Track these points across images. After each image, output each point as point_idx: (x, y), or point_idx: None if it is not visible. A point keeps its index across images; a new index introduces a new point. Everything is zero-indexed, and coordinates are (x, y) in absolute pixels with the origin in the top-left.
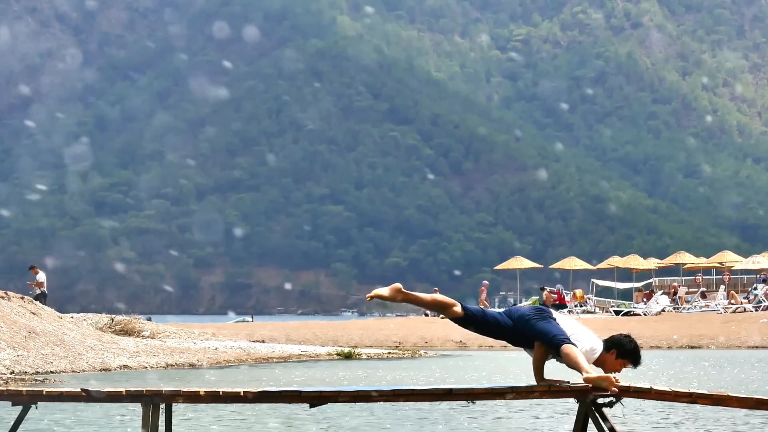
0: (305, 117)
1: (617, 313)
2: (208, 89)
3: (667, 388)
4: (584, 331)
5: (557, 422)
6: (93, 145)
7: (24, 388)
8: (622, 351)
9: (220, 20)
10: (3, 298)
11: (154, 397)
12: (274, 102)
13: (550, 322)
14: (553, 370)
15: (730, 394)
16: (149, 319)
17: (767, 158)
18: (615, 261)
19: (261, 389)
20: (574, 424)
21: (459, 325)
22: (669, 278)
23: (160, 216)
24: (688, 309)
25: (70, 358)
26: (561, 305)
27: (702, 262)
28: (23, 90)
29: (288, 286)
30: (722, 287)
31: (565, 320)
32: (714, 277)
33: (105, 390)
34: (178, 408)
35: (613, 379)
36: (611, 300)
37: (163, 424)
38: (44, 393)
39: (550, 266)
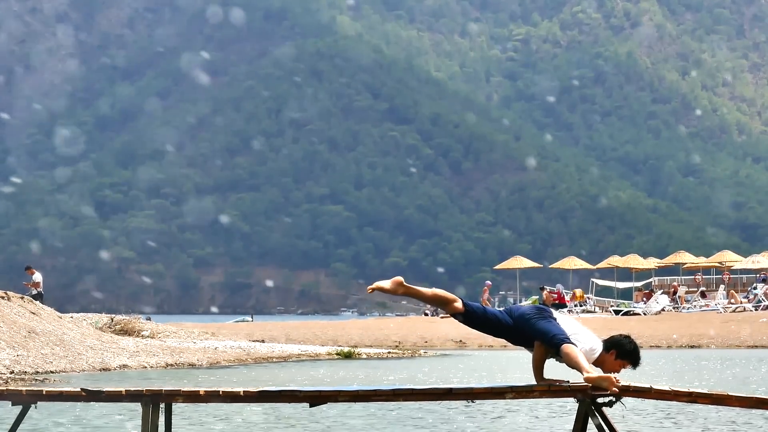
0: (305, 117)
1: (617, 312)
2: (207, 89)
3: (666, 388)
4: (584, 331)
5: (557, 422)
6: (93, 144)
7: (24, 388)
8: (621, 351)
9: (220, 20)
10: (3, 298)
11: (154, 397)
12: (274, 102)
13: (551, 321)
14: (553, 369)
15: (730, 394)
16: (149, 319)
17: (767, 157)
18: (615, 260)
19: (261, 389)
20: (574, 423)
21: (459, 321)
22: (669, 278)
23: (160, 216)
24: (688, 308)
25: (69, 357)
26: (561, 305)
27: (702, 261)
28: (23, 89)
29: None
30: (722, 287)
31: (565, 320)
32: (714, 276)
33: (105, 390)
34: (177, 408)
35: (614, 379)
36: (611, 299)
37: (163, 423)
38: (44, 393)
39: (550, 266)
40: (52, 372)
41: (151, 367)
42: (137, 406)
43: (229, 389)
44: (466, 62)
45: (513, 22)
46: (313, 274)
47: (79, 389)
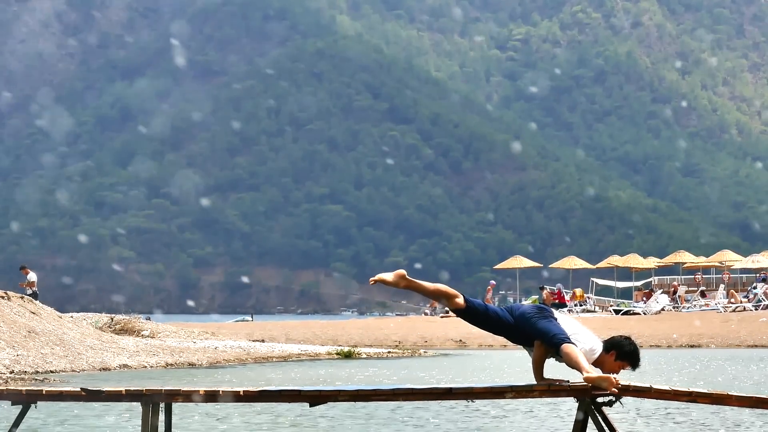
0: (305, 117)
1: (617, 312)
2: (208, 89)
3: (666, 387)
4: (584, 331)
5: (557, 422)
6: (93, 144)
7: (24, 388)
8: (621, 353)
9: (219, 20)
10: (3, 297)
11: (153, 397)
12: (274, 102)
13: (551, 321)
14: (553, 369)
15: (730, 393)
16: (149, 319)
17: (767, 157)
18: (614, 260)
19: (261, 388)
20: (573, 423)
21: (459, 316)
22: (668, 277)
23: (160, 216)
24: (688, 308)
25: (69, 357)
26: (561, 304)
27: (701, 261)
28: (23, 89)
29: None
30: (722, 286)
31: (565, 320)
32: (713, 276)
33: (105, 390)
34: (177, 407)
35: (613, 380)
36: (611, 299)
37: (163, 423)
38: (44, 392)
39: (550, 265)
40: (52, 372)
41: (151, 366)
42: (137, 406)
43: (229, 389)
44: (466, 62)
45: (513, 22)
46: (313, 273)
47: (79, 389)
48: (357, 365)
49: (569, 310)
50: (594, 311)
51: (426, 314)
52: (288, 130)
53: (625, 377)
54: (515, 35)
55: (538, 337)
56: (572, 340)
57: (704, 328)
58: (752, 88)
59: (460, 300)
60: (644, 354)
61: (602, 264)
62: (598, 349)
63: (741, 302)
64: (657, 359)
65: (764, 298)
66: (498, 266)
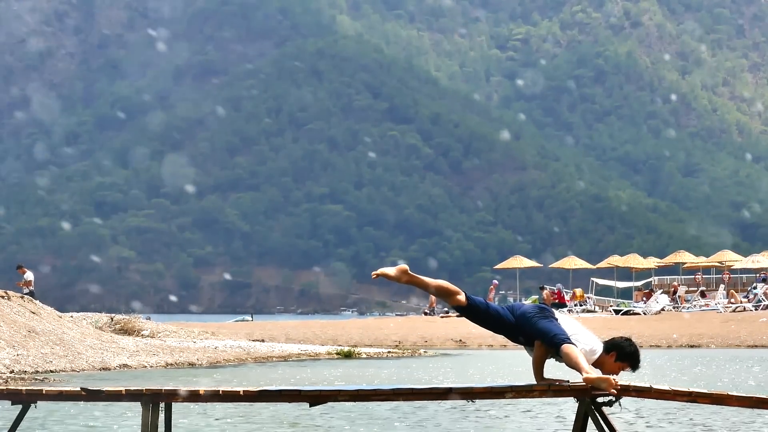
0: (305, 116)
1: (617, 312)
2: (208, 88)
3: (666, 387)
4: (585, 332)
5: (557, 422)
6: (93, 144)
7: (24, 387)
8: (621, 354)
9: (219, 20)
10: (3, 297)
11: (153, 397)
12: (273, 102)
13: (552, 321)
14: (553, 369)
15: (730, 393)
16: (149, 319)
17: (767, 157)
18: (615, 260)
19: (261, 388)
20: (573, 423)
21: (461, 314)
22: (669, 277)
23: (160, 216)
24: (688, 308)
25: (69, 357)
26: (561, 304)
27: (701, 261)
28: (23, 89)
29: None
30: (722, 286)
31: (566, 320)
32: (714, 276)
33: (105, 389)
34: (177, 407)
35: (612, 381)
36: (611, 299)
37: (163, 423)
38: (44, 392)
39: (550, 265)
40: (52, 371)
41: (151, 366)
42: (137, 406)
43: (229, 389)
44: (466, 62)
45: (513, 22)
46: (312, 273)
47: (79, 389)
48: (357, 365)
49: (569, 310)
50: (594, 311)
51: (426, 314)
52: (288, 130)
53: (626, 377)
54: (515, 35)
55: (539, 336)
56: (572, 341)
57: (704, 328)
58: (752, 88)
59: (462, 297)
60: (644, 354)
61: (602, 264)
62: (599, 349)
63: (741, 302)
64: (657, 359)
65: (764, 298)
66: (498, 266)
